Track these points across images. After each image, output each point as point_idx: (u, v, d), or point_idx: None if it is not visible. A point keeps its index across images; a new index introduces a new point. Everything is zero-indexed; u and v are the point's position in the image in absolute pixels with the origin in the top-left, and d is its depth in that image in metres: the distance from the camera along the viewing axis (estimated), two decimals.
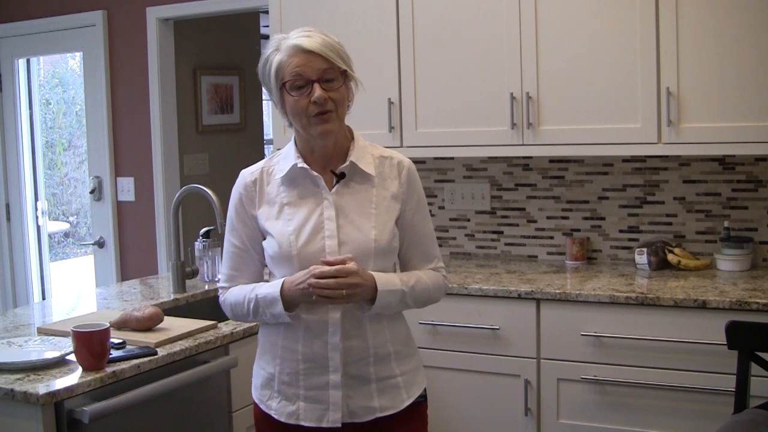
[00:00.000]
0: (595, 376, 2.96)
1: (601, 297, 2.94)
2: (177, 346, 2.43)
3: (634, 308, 2.91)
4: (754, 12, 2.94)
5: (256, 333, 2.68)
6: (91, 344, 2.18)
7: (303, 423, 2.01)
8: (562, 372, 3.03)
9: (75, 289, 4.97)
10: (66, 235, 6.21)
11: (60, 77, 5.86)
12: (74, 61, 5.59)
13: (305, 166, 2.03)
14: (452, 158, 3.80)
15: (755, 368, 2.46)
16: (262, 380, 2.09)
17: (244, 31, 5.20)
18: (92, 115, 4.84)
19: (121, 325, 2.53)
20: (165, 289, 3.28)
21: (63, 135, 5.70)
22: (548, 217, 3.69)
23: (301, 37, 1.96)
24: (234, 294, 2.07)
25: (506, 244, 3.77)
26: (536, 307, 3.05)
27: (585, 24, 3.18)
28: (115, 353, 2.29)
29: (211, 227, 3.32)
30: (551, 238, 3.69)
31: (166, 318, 2.61)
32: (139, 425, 2.30)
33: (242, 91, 5.13)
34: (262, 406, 2.09)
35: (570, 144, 3.25)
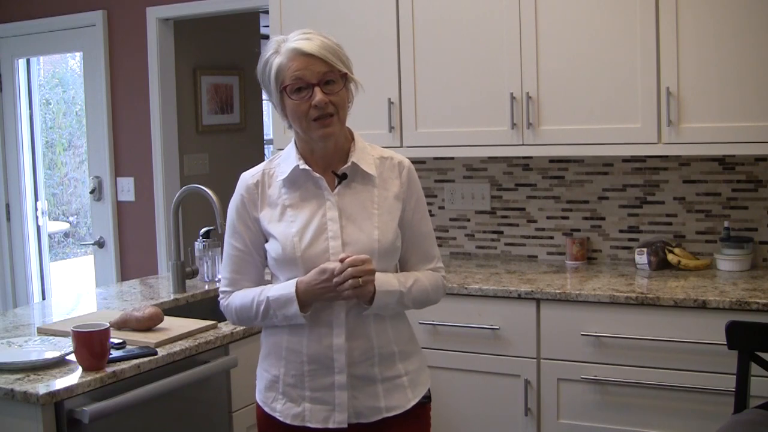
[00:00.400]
0: (595, 376, 2.96)
1: (601, 297, 2.94)
2: (177, 346, 2.43)
3: (634, 308, 2.91)
4: (754, 12, 2.94)
5: (256, 333, 2.70)
6: (91, 344, 2.18)
7: (309, 424, 2.01)
8: (562, 372, 3.03)
9: (75, 289, 4.97)
10: (66, 235, 6.21)
11: (60, 77, 5.86)
12: (74, 61, 5.59)
13: (307, 167, 2.03)
14: (452, 158, 3.80)
15: (755, 368, 2.46)
16: (266, 382, 2.08)
17: (244, 31, 5.20)
18: (92, 115, 4.84)
19: (121, 325, 2.53)
20: (165, 289, 3.28)
21: (63, 135, 5.70)
22: (548, 217, 3.69)
23: (301, 39, 1.95)
24: (239, 297, 2.06)
25: (506, 244, 3.77)
26: (536, 307, 3.05)
27: (585, 24, 3.18)
28: (115, 353, 2.29)
29: (211, 227, 3.32)
30: (551, 238, 3.69)
31: (166, 318, 2.61)
32: (139, 425, 2.30)
33: (242, 91, 5.13)
34: (266, 408, 2.08)
35: (570, 144, 3.25)
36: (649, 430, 2.91)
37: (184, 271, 3.20)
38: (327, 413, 1.99)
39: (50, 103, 5.78)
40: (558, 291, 3.01)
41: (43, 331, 2.58)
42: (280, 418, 2.04)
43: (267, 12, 3.77)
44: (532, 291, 3.05)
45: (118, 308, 2.91)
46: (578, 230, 3.63)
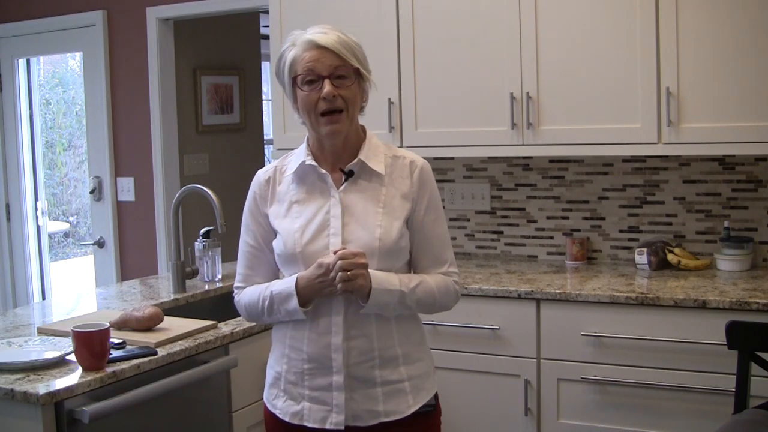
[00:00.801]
0: (595, 376, 2.96)
1: (601, 297, 2.94)
2: (177, 346, 2.43)
3: (634, 308, 2.91)
4: (754, 12, 2.95)
5: (257, 333, 2.70)
6: (91, 344, 2.18)
7: (307, 424, 1.99)
8: (562, 372, 3.03)
9: (75, 289, 4.97)
10: (66, 235, 6.21)
11: (60, 77, 5.86)
12: (74, 61, 5.59)
13: (313, 163, 2.03)
14: (452, 158, 3.80)
15: (755, 368, 2.46)
16: (271, 379, 2.08)
17: (244, 31, 5.19)
18: (92, 115, 4.84)
19: (121, 325, 2.53)
20: (165, 289, 3.28)
21: (63, 135, 5.70)
22: (548, 217, 3.69)
23: (317, 33, 1.96)
24: (248, 293, 2.06)
25: (506, 244, 3.77)
26: (536, 307, 3.05)
27: (585, 24, 3.18)
28: (115, 353, 2.29)
29: (211, 227, 3.32)
30: (551, 238, 3.69)
31: (166, 318, 2.61)
32: (139, 425, 2.30)
33: (242, 91, 5.13)
34: (269, 405, 2.08)
35: (570, 144, 3.25)
36: (649, 430, 2.91)
37: (184, 271, 3.20)
38: (325, 414, 1.98)
39: (50, 103, 5.78)
40: (558, 291, 3.01)
41: (43, 331, 2.58)
42: (280, 416, 2.04)
43: (267, 12, 3.78)
44: (532, 291, 3.05)
45: (118, 308, 2.91)
46: (578, 230, 3.63)
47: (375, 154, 2.04)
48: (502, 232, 3.78)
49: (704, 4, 3.00)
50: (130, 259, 4.76)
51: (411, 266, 2.08)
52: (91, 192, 4.85)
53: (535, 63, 3.25)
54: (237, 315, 2.67)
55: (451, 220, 3.85)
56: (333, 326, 1.96)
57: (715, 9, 2.99)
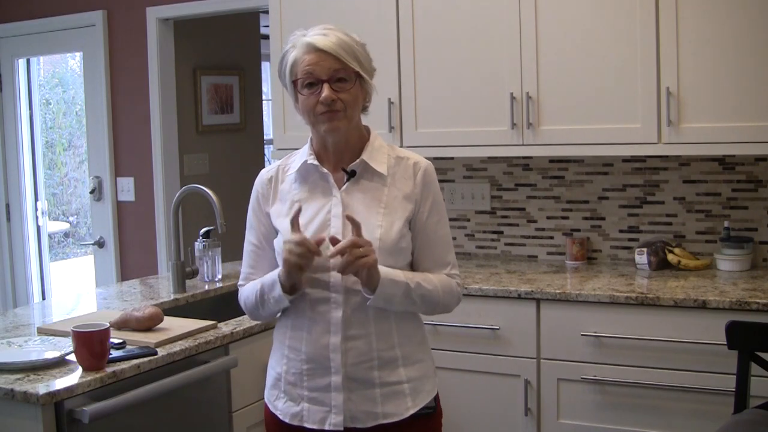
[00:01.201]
0: (595, 376, 2.96)
1: (601, 297, 2.94)
2: (177, 346, 2.43)
3: (634, 308, 2.91)
4: (754, 12, 2.95)
5: (257, 333, 2.70)
6: (91, 344, 2.18)
7: (306, 425, 1.99)
8: (562, 372, 3.03)
9: (75, 289, 4.97)
10: (66, 235, 6.21)
11: (60, 77, 5.86)
12: (74, 61, 5.59)
13: (315, 162, 2.03)
14: (452, 158, 3.80)
15: (755, 368, 2.46)
16: (272, 380, 2.08)
17: (244, 31, 5.20)
18: (92, 115, 4.84)
19: (121, 325, 2.53)
20: (165, 289, 3.28)
21: (63, 135, 5.70)
22: (548, 217, 3.69)
23: (317, 35, 1.95)
24: (247, 290, 2.08)
25: (506, 244, 3.77)
26: (536, 307, 3.05)
27: (585, 24, 3.18)
28: (115, 353, 2.29)
29: (211, 227, 3.32)
30: (551, 238, 3.69)
31: (166, 318, 2.61)
32: (139, 425, 2.30)
33: (242, 91, 5.13)
34: (270, 406, 2.08)
35: (570, 144, 3.25)
36: (649, 430, 2.91)
37: (184, 271, 3.20)
38: (324, 414, 1.97)
39: (50, 103, 5.78)
40: (558, 291, 3.01)
41: (43, 331, 2.58)
42: (281, 417, 2.04)
43: (267, 12, 3.78)
44: (532, 291, 3.05)
45: (118, 308, 2.91)
46: (578, 230, 3.63)
47: (378, 154, 2.04)
48: (502, 232, 3.78)
49: (704, 4, 3.00)
50: (130, 259, 4.77)
51: (413, 268, 2.08)
52: (91, 192, 4.85)
53: (535, 63, 3.25)
54: (237, 315, 2.68)
55: (451, 220, 3.81)
56: (332, 326, 1.95)
57: (715, 9, 2.99)
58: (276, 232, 2.05)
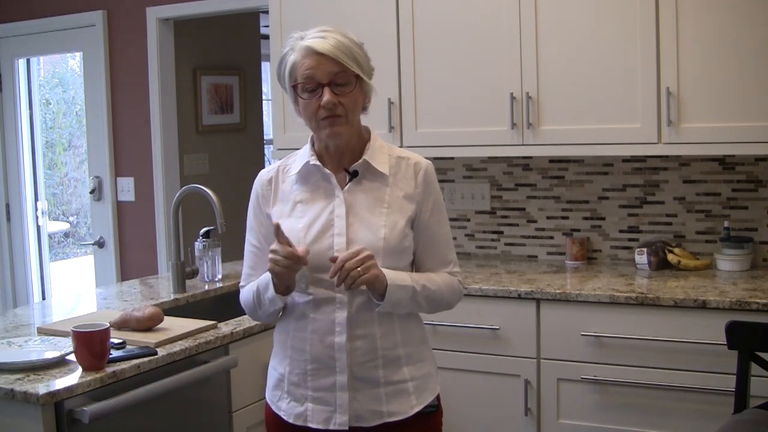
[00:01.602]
0: (595, 376, 2.96)
1: (601, 297, 2.94)
2: (177, 346, 2.43)
3: (634, 308, 2.91)
4: (754, 12, 2.94)
5: (257, 333, 2.70)
6: (91, 344, 2.18)
7: (310, 425, 1.99)
8: (562, 372, 3.03)
9: (75, 289, 4.97)
10: (66, 235, 6.21)
11: (60, 77, 5.86)
12: (74, 61, 5.59)
13: (317, 163, 2.03)
14: (452, 158, 3.80)
15: (755, 368, 2.46)
16: (274, 380, 2.08)
17: (244, 31, 5.20)
18: (92, 115, 4.84)
19: (121, 325, 2.53)
20: (165, 289, 3.28)
21: (63, 135, 5.70)
22: (548, 217, 3.69)
23: (316, 38, 1.94)
24: (246, 290, 2.09)
25: (506, 244, 3.77)
26: (536, 307, 3.05)
27: (585, 24, 3.18)
28: (115, 353, 2.29)
29: (211, 227, 3.32)
30: (551, 238, 3.69)
31: (166, 318, 2.61)
32: (139, 425, 2.30)
33: (242, 91, 5.13)
34: (273, 407, 2.08)
35: (570, 144, 3.25)
36: (649, 430, 2.91)
37: (184, 271, 3.20)
38: (328, 414, 1.98)
39: (50, 103, 5.78)
40: (558, 291, 3.01)
41: (43, 331, 2.58)
42: (284, 417, 2.04)
43: (267, 12, 3.78)
44: (532, 291, 3.05)
45: (118, 308, 2.91)
46: (578, 230, 3.63)
47: (379, 154, 2.04)
48: (502, 232, 3.78)
49: (704, 4, 3.00)
50: (130, 259, 4.76)
51: (415, 267, 2.09)
52: (91, 192, 4.85)
53: (535, 63, 3.25)
54: (237, 315, 2.68)
55: (451, 220, 3.80)
56: (337, 326, 1.95)
57: (715, 9, 2.99)
58: None
